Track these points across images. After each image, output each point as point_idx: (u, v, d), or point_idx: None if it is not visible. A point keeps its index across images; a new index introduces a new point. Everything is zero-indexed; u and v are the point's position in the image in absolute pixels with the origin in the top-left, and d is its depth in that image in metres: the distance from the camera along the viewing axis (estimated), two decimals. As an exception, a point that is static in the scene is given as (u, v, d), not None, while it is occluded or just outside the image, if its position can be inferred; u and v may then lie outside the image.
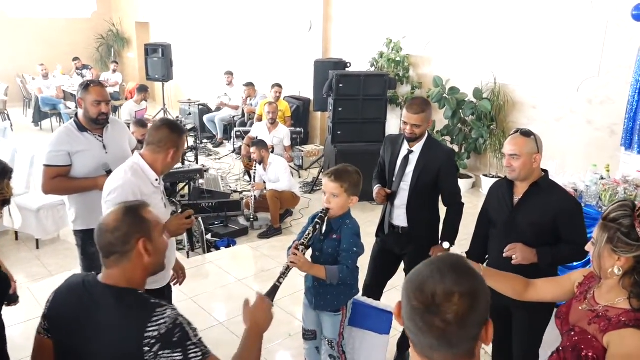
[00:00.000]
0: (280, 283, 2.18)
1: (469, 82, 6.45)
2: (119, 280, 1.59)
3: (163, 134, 2.54)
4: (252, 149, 5.90)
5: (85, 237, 3.31)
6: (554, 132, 5.88)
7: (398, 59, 7.25)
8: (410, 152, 3.08)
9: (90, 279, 1.63)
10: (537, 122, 6.04)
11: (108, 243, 1.59)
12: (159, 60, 9.62)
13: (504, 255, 2.39)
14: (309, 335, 2.59)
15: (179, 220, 2.53)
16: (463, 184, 6.59)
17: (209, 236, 5.31)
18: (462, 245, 3.19)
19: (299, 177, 7.51)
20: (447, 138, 6.64)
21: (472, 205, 6.53)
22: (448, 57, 6.91)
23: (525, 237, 2.41)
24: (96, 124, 3.24)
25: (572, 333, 1.78)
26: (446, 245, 2.97)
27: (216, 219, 5.80)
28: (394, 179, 3.13)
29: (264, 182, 5.91)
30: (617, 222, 1.64)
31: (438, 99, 6.42)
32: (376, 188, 3.19)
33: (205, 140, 9.50)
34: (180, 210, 2.49)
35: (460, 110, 6.39)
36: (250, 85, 9.25)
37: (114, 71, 12.01)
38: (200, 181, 5.99)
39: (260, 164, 5.89)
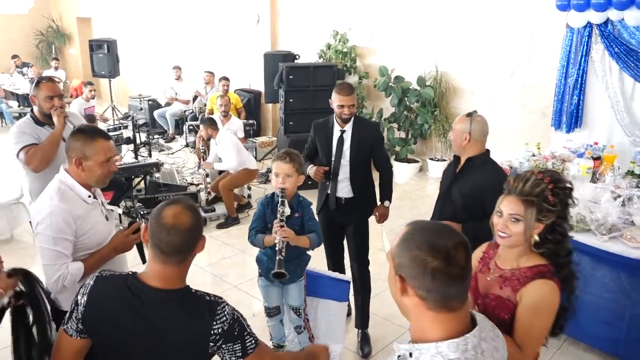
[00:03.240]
0: (283, 256, 2.38)
1: (412, 71, 6.76)
2: (169, 282, 1.59)
3: (69, 143, 2.27)
4: (201, 127, 5.96)
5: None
6: (492, 115, 6.20)
7: (345, 50, 7.49)
8: (343, 132, 3.37)
9: (133, 281, 1.60)
10: (476, 106, 6.39)
11: (183, 242, 1.58)
12: (105, 56, 9.49)
13: None
14: (273, 311, 2.77)
15: (125, 238, 2.32)
16: (411, 168, 6.94)
17: (167, 228, 5.41)
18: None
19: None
20: (395, 125, 6.95)
21: (420, 187, 6.90)
22: (392, 48, 7.21)
23: (457, 207, 2.73)
24: (51, 119, 3.30)
25: (488, 300, 1.89)
26: (387, 203, 3.47)
27: (174, 211, 5.89)
28: (332, 159, 3.42)
29: (214, 165, 6.01)
30: (540, 195, 1.81)
31: (384, 87, 6.71)
32: (312, 168, 3.45)
33: (156, 136, 9.45)
34: (128, 223, 2.44)
35: (406, 98, 6.70)
36: (211, 73, 9.26)
37: (56, 68, 11.70)
38: (157, 175, 6.04)
39: (208, 140, 5.99)
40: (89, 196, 2.29)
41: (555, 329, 1.88)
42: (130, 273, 1.65)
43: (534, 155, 4.21)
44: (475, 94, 6.49)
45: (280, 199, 2.59)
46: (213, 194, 6.43)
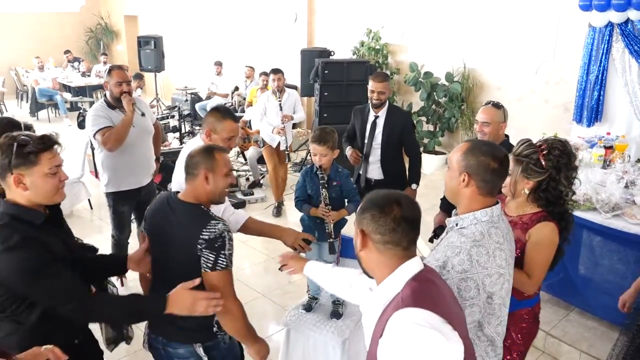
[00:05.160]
0: (334, 238, 2.95)
1: (441, 67, 7.11)
2: (189, 197, 2.12)
3: (205, 118, 2.77)
4: (276, 76, 5.71)
5: (115, 198, 3.92)
6: (517, 110, 6.56)
7: (377, 47, 7.88)
8: (376, 117, 3.78)
9: (172, 196, 2.18)
10: (502, 101, 6.58)
11: (186, 165, 2.11)
12: (152, 51, 10.10)
13: None
14: None
15: (297, 235, 2.67)
16: (438, 160, 7.29)
17: (211, 208, 5.93)
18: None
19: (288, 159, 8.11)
20: (423, 118, 7.31)
21: (446, 177, 7.25)
22: (422, 45, 7.57)
23: None
24: (121, 103, 3.79)
25: None
26: (414, 186, 3.75)
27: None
28: (365, 141, 3.83)
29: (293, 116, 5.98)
30: (528, 157, 2.18)
31: (414, 82, 7.08)
32: (349, 150, 3.86)
33: (197, 128, 10.03)
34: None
35: (434, 93, 7.05)
36: (251, 68, 9.67)
37: (105, 63, 12.41)
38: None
39: (279, 93, 5.79)
40: None
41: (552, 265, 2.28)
42: (173, 192, 2.22)
43: (550, 145, 4.54)
44: (502, 90, 6.79)
45: (320, 182, 3.00)
46: (252, 180, 6.95)
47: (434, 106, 7.18)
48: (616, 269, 3.54)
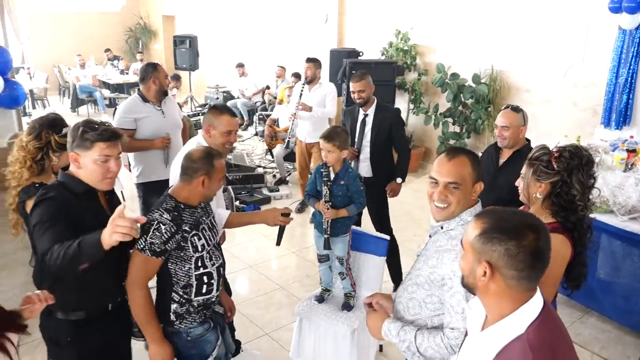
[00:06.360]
0: (329, 234, 3.09)
1: (468, 68, 7.11)
2: (179, 195, 2.29)
3: (205, 116, 2.91)
4: (307, 65, 5.81)
5: (146, 189, 4.13)
6: (544, 113, 6.55)
7: (406, 48, 7.93)
8: (365, 115, 3.89)
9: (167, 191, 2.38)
10: (530, 104, 6.69)
11: (185, 167, 2.30)
12: (187, 50, 10.43)
13: None
14: (323, 258, 3.31)
15: (275, 213, 2.80)
16: (463, 161, 7.27)
17: (237, 202, 6.13)
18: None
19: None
20: (450, 119, 7.32)
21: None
22: (451, 46, 7.57)
23: (503, 194, 2.94)
24: (164, 95, 4.09)
25: None
26: (399, 180, 3.92)
27: (243, 189, 6.61)
28: (356, 139, 3.93)
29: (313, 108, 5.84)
30: (539, 159, 2.18)
31: (440, 83, 7.10)
32: None
33: (228, 125, 10.27)
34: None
35: (461, 94, 7.06)
36: (282, 67, 9.82)
37: (141, 60, 12.84)
38: (229, 156, 6.78)
39: (309, 83, 5.90)
40: None
41: (573, 282, 2.18)
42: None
43: (573, 147, 4.53)
44: (530, 92, 6.75)
45: (324, 179, 3.08)
46: (278, 177, 7.12)
47: (460, 107, 7.19)
48: (633, 272, 3.53)
